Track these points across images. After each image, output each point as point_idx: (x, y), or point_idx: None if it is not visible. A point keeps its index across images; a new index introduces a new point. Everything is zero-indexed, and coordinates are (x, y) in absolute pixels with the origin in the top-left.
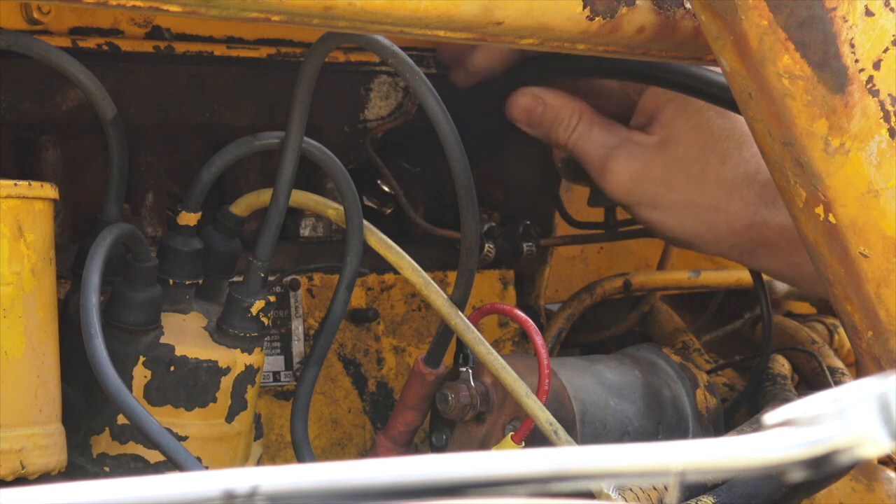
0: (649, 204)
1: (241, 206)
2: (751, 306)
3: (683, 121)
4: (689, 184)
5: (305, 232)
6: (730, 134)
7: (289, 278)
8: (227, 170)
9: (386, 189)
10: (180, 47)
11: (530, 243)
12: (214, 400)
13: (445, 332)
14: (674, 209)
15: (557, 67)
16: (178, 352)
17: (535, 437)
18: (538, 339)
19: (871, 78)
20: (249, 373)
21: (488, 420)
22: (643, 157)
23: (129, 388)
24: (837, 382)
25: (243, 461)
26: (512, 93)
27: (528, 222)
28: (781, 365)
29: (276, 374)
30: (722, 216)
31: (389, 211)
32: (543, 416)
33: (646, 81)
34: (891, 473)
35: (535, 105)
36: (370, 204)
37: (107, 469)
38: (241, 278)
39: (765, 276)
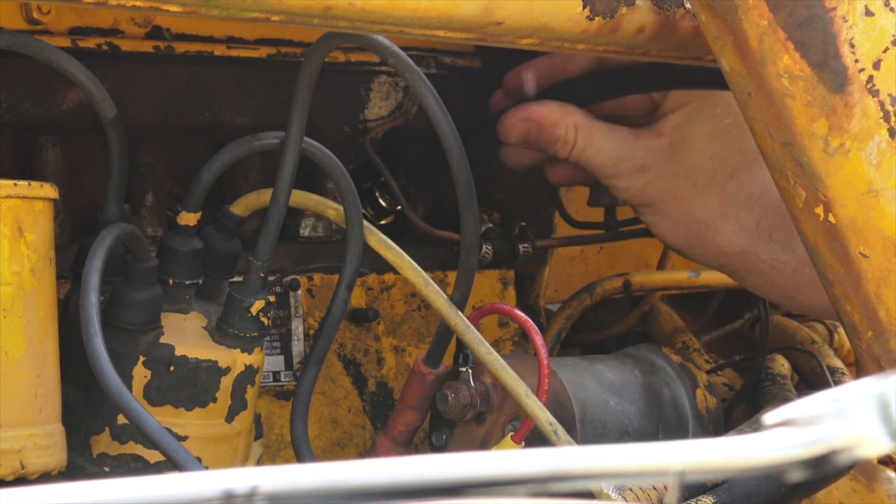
0: (651, 209)
1: (241, 206)
2: (751, 306)
3: (698, 126)
4: (692, 195)
5: (305, 232)
6: (744, 147)
7: (289, 278)
8: (227, 170)
9: (382, 202)
10: (180, 47)
11: (526, 244)
12: (214, 400)
13: (445, 332)
14: (671, 218)
15: (589, 90)
16: (178, 352)
17: (535, 437)
18: (538, 339)
19: (870, 78)
20: (249, 373)
21: (488, 420)
22: (655, 165)
23: (129, 388)
24: (837, 382)
25: (243, 461)
26: (501, 117)
27: (524, 224)
28: (781, 364)
29: (276, 374)
30: (714, 236)
31: (387, 221)
32: (543, 416)
33: (668, 88)
34: (891, 473)
35: (527, 127)
36: (366, 213)
37: (107, 469)
38: (241, 278)
39: None
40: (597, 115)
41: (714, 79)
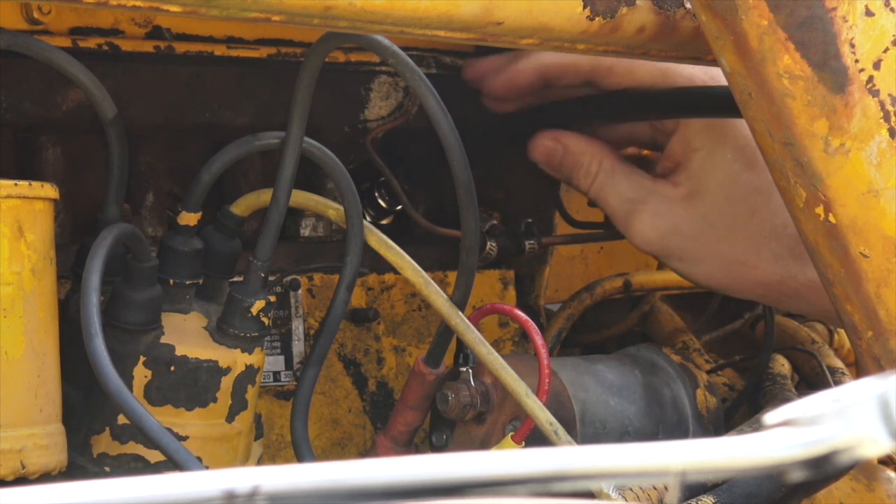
0: (677, 258)
1: (241, 206)
2: (751, 306)
3: (711, 173)
4: (717, 238)
5: (305, 232)
6: (758, 187)
7: (289, 278)
8: (227, 170)
9: (382, 203)
10: (180, 47)
11: (532, 241)
12: (215, 400)
13: (445, 332)
14: (701, 263)
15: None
16: (179, 352)
17: (535, 437)
18: (538, 339)
19: (871, 78)
20: (250, 373)
21: (488, 420)
22: (670, 214)
23: (130, 387)
24: (837, 382)
25: (243, 461)
26: (534, 134)
27: (530, 220)
28: (781, 365)
29: (276, 374)
30: (751, 271)
31: (386, 221)
32: (543, 415)
33: (668, 116)
34: (891, 473)
35: (555, 148)
36: (366, 214)
37: (107, 469)
38: (241, 278)
39: None
40: (608, 141)
41: (717, 105)
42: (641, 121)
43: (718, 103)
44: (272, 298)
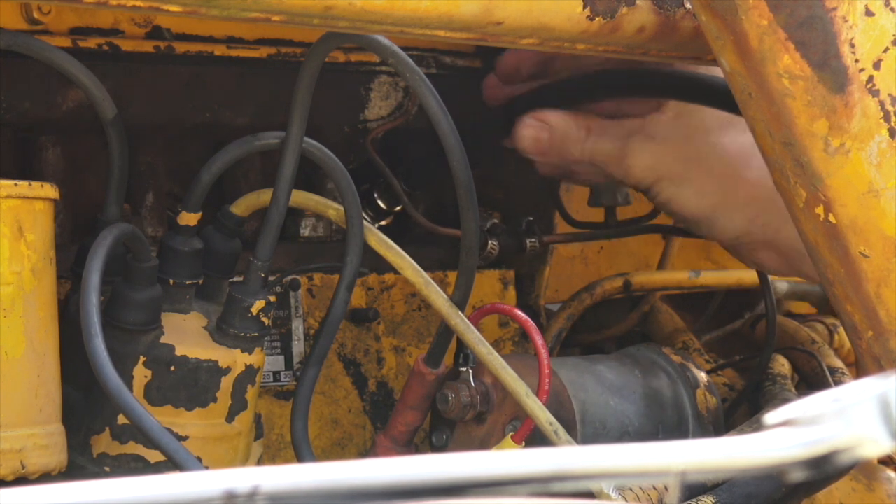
0: (668, 179)
1: (241, 206)
2: (751, 306)
3: None
4: (706, 153)
5: (305, 232)
6: None
7: (289, 278)
8: (227, 170)
9: (381, 204)
10: (180, 47)
11: (533, 239)
12: (215, 400)
13: (445, 332)
14: (692, 182)
15: (579, 89)
16: (179, 352)
17: (535, 437)
18: (538, 339)
19: (871, 78)
20: (249, 373)
21: (488, 420)
22: (661, 135)
23: (130, 388)
24: (837, 382)
25: (243, 461)
26: (514, 123)
27: (531, 218)
28: (781, 365)
29: (276, 374)
30: (740, 184)
31: (386, 222)
32: (543, 415)
33: (662, 96)
34: (891, 473)
35: (540, 131)
36: (365, 216)
37: (107, 469)
38: (241, 278)
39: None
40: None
41: (707, 93)
42: (635, 97)
43: (713, 90)
44: (272, 298)
